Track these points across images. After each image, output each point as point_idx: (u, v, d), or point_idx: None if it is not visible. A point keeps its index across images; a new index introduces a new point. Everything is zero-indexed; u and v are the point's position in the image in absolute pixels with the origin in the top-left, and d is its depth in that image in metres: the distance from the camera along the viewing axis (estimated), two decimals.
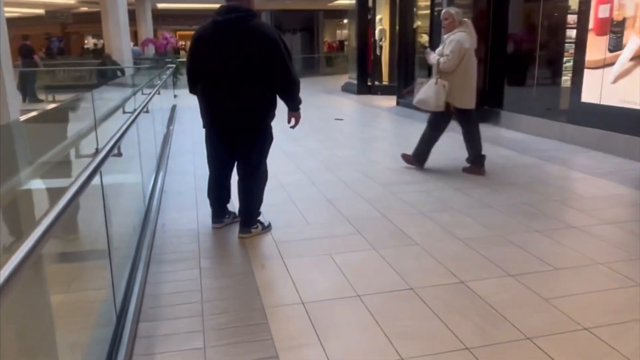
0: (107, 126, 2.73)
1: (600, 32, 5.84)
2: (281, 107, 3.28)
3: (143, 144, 4.17)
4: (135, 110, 3.29)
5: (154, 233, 3.45)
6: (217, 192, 3.48)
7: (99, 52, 19.15)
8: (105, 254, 2.23)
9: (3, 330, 1.20)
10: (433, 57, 4.75)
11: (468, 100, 4.71)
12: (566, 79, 6.56)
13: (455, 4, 8.15)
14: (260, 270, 2.88)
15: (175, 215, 3.86)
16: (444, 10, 4.75)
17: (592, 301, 2.42)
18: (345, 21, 23.40)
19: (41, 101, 13.24)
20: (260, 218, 3.50)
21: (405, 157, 5.12)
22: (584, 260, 2.86)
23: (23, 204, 1.69)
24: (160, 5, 21.20)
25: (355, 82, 13.17)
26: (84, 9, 20.96)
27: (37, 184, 1.83)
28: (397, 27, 11.06)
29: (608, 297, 2.45)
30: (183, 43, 23.52)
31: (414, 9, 10.21)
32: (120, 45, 13.50)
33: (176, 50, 19.01)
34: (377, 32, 12.99)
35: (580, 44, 6.08)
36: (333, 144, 6.65)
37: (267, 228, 3.46)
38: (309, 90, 14.01)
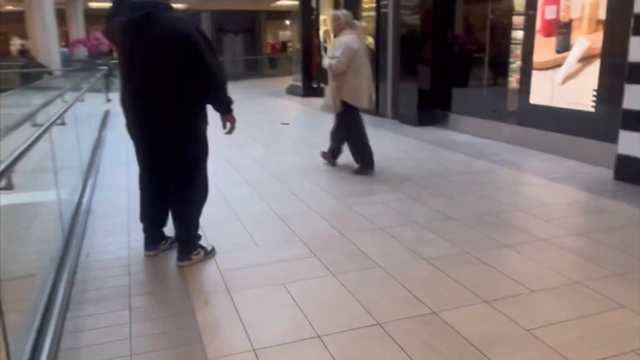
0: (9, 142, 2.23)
1: (547, 33, 5.80)
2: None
3: (63, 157, 3.64)
4: (45, 123, 2.77)
5: (75, 265, 2.95)
6: (150, 214, 3.02)
7: (26, 54, 17.84)
8: None
9: None
10: (325, 60, 4.86)
11: (362, 98, 4.83)
12: (514, 81, 6.50)
13: (400, 5, 8.00)
14: (203, 307, 2.46)
15: (103, 241, 3.36)
16: (332, 13, 4.91)
17: (579, 330, 2.17)
18: (288, 22, 23.04)
19: None
20: (203, 242, 3.08)
21: (324, 153, 5.28)
22: (560, 279, 2.63)
23: None
24: (93, 5, 20.01)
25: (300, 84, 12.84)
26: (9, 7, 19.48)
27: None
28: None
29: (596, 324, 2.22)
30: None
31: (359, 10, 9.99)
32: (46, 46, 12.54)
33: (110, 51, 17.95)
34: (321, 33, 12.70)
35: (528, 45, 6.02)
36: (281, 150, 6.27)
37: (210, 253, 3.04)
38: (253, 93, 13.54)
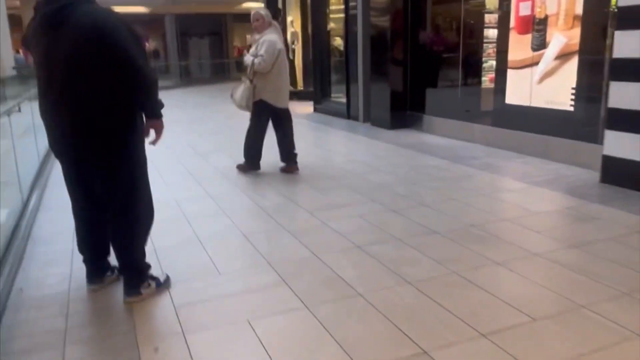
0: None
1: (522, 31, 5.58)
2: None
3: None
4: None
5: (4, 307, 2.50)
6: (88, 244, 2.59)
7: None
8: None
9: None
10: (247, 58, 4.76)
11: (285, 99, 4.86)
12: (488, 80, 6.28)
13: (370, 6, 7.72)
14: (152, 356, 2.07)
15: (41, 273, 2.91)
16: (253, 12, 4.80)
17: None
18: None
19: None
20: (155, 271, 2.68)
21: (283, 168, 5.11)
22: (562, 303, 2.33)
23: None
24: None
25: None
26: None
27: None
28: (310, 30, 10.48)
29: (613, 359, 1.92)
30: None
31: (327, 11, 9.68)
32: None
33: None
34: (288, 35, 12.36)
35: (502, 44, 5.80)
36: None
37: (163, 285, 2.64)
38: (219, 98, 13.06)
